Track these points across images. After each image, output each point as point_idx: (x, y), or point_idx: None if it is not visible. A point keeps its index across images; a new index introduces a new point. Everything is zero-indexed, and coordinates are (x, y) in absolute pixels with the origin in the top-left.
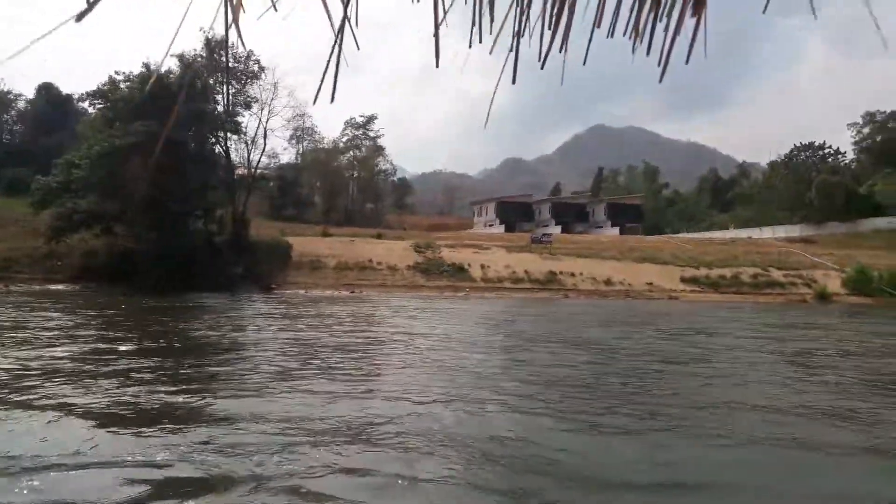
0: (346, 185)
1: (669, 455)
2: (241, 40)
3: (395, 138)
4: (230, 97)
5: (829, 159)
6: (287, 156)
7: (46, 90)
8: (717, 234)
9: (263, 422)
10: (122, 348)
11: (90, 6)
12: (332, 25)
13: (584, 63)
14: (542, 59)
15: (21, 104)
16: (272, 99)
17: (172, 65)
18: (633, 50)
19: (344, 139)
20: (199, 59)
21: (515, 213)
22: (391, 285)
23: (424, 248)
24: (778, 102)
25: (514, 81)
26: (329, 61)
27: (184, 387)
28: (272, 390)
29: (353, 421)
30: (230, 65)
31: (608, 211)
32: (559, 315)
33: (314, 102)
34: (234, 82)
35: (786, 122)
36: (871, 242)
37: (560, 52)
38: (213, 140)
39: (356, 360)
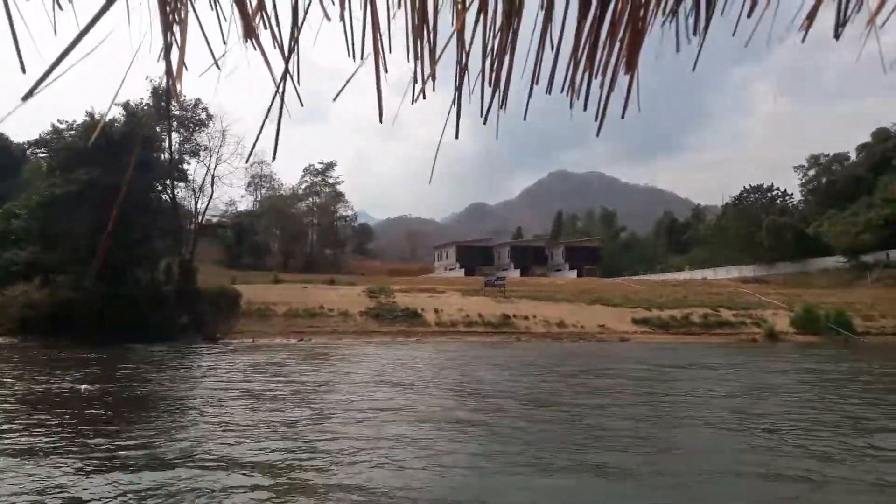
0: (306, 232)
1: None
2: (177, 100)
3: (359, 184)
4: (177, 145)
5: (778, 201)
6: (245, 203)
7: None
8: (672, 276)
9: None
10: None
11: (36, 85)
12: (273, 81)
13: (525, 118)
14: (483, 115)
15: None
16: (220, 146)
17: (117, 113)
18: (571, 105)
19: (303, 186)
20: (146, 107)
21: (475, 257)
22: (342, 332)
23: (378, 293)
24: (732, 147)
25: (457, 136)
26: (265, 119)
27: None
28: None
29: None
30: (177, 113)
31: (566, 254)
32: (478, 357)
33: (247, 160)
34: (181, 130)
35: (740, 166)
36: (819, 281)
37: (500, 108)
38: (160, 188)
39: (268, 410)
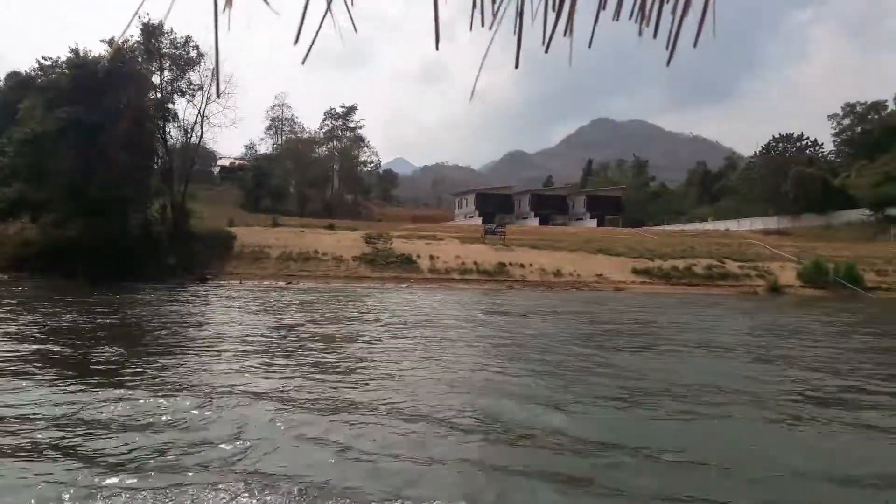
0: (328, 177)
1: None
2: None
3: (399, 132)
4: (167, 84)
5: (808, 151)
6: (265, 146)
7: (14, 77)
8: (694, 227)
9: None
10: None
11: None
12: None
13: (590, 46)
14: (546, 43)
15: None
16: (210, 85)
17: (103, 50)
18: (640, 32)
19: (324, 130)
20: (138, 45)
21: (494, 205)
22: (333, 276)
23: (376, 238)
24: (786, 96)
25: (517, 66)
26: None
27: None
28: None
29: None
30: (166, 50)
31: (588, 203)
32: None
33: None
34: (173, 68)
35: (793, 117)
36: (842, 234)
37: (565, 35)
38: (150, 127)
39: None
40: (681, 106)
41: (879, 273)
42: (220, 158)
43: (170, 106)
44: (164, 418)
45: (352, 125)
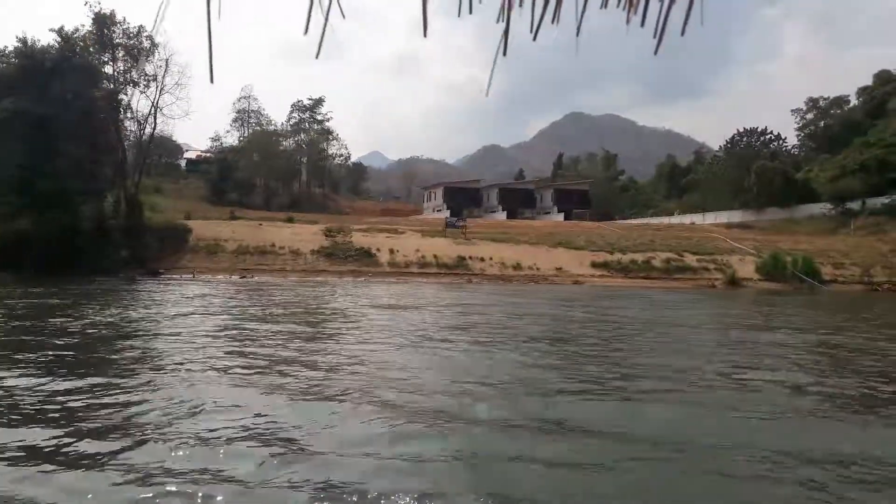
0: (295, 170)
1: None
2: None
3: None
4: (119, 74)
5: (772, 145)
6: (231, 139)
7: None
8: (660, 220)
9: None
10: None
11: None
12: None
13: (578, 34)
14: (533, 32)
15: None
16: (164, 76)
17: (51, 39)
18: (628, 21)
19: (291, 123)
20: (89, 34)
21: (462, 199)
22: (290, 270)
23: (336, 232)
24: (757, 91)
25: (504, 53)
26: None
27: None
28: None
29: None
30: (119, 41)
31: (555, 197)
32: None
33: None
34: (127, 59)
35: (764, 111)
36: (803, 228)
37: (553, 22)
38: (103, 119)
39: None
40: (654, 101)
41: (836, 266)
42: (187, 151)
43: (122, 97)
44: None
45: (319, 118)
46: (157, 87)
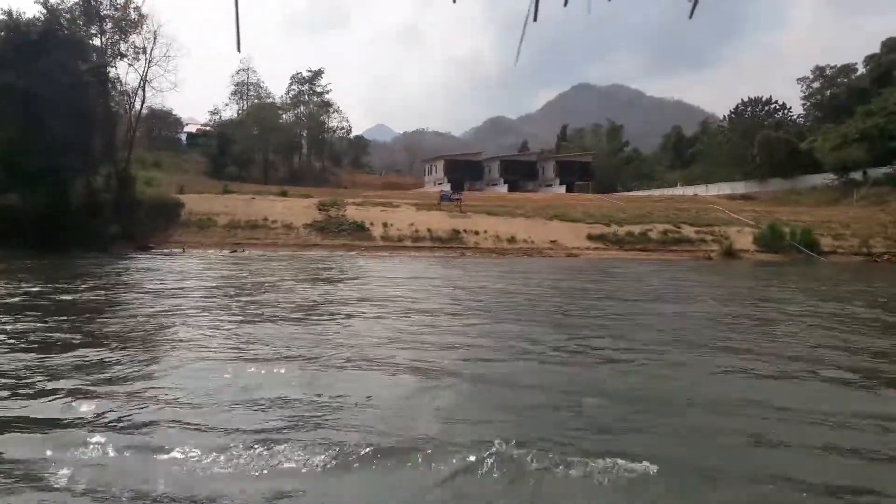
0: (295, 143)
1: None
2: None
3: (381, 97)
4: (107, 47)
5: (777, 114)
6: (230, 112)
7: None
8: (662, 192)
9: None
10: None
11: None
12: None
13: (589, 12)
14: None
15: None
16: (152, 49)
17: (37, 11)
18: None
19: (290, 95)
20: (76, 6)
21: (464, 172)
22: (282, 244)
23: (329, 206)
24: (765, 61)
25: (535, 19)
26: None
27: None
28: None
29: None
30: (106, 13)
31: (557, 169)
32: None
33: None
34: (116, 31)
35: (769, 81)
36: (806, 199)
37: None
38: (92, 93)
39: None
40: (663, 71)
41: (836, 237)
42: (188, 125)
43: (111, 70)
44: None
45: (318, 90)
46: (145, 59)
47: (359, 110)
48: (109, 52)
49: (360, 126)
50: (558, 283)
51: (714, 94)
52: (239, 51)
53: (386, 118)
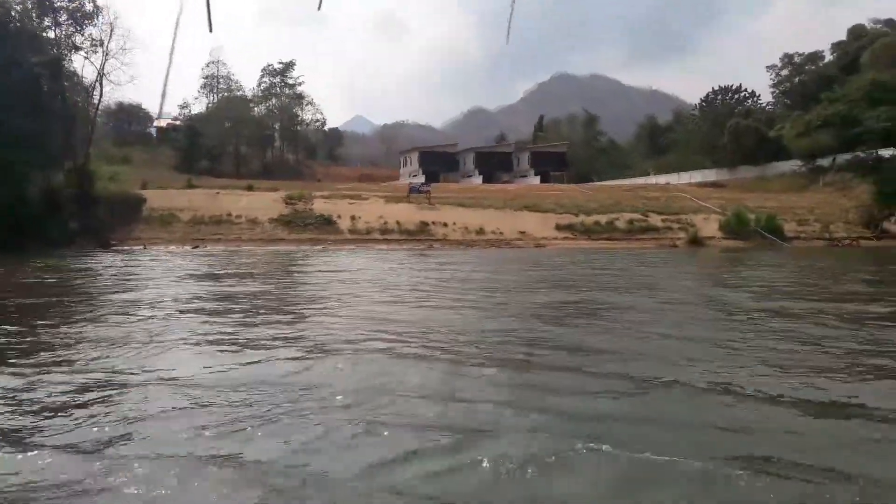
0: (268, 136)
1: None
2: None
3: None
4: (62, 41)
5: (748, 102)
6: (200, 105)
7: None
8: (634, 181)
9: None
10: None
11: None
12: None
13: None
14: None
15: None
16: (108, 41)
17: None
18: None
19: (261, 87)
20: None
21: (438, 163)
22: (246, 239)
23: (296, 199)
24: (743, 50)
25: None
26: None
27: None
28: None
29: None
30: (60, 4)
31: (532, 160)
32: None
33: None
34: (71, 23)
35: (748, 70)
36: (775, 186)
37: None
38: (49, 87)
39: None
40: (641, 60)
41: (801, 223)
42: (157, 119)
43: (68, 64)
44: None
45: (290, 82)
46: (102, 52)
47: (338, 102)
48: (64, 44)
49: (339, 118)
50: (497, 275)
51: (694, 82)
52: (211, 31)
53: (366, 110)
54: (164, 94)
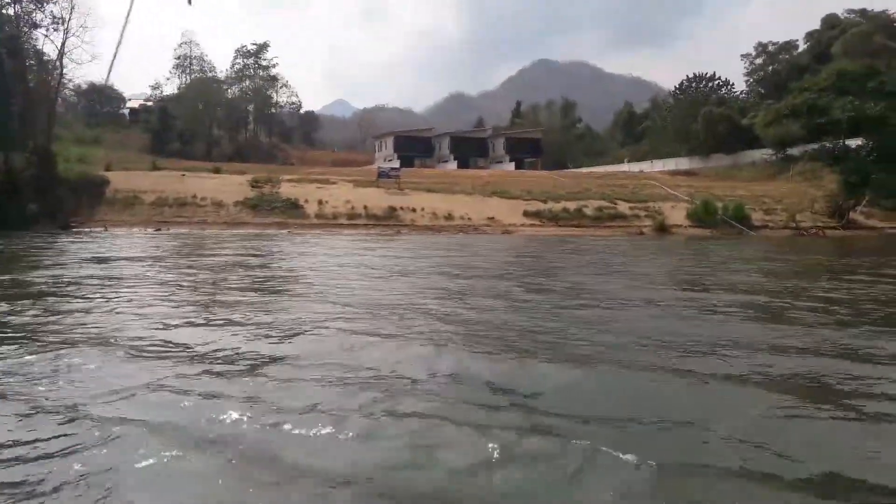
0: (243, 118)
1: None
2: None
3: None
4: (20, 18)
5: (720, 90)
6: (172, 87)
7: None
8: (606, 169)
9: None
10: None
11: None
12: None
13: None
14: None
15: None
16: (69, 19)
17: None
18: None
19: (234, 69)
20: None
21: (414, 148)
22: (211, 222)
23: (263, 183)
24: (724, 38)
25: None
26: None
27: None
28: None
29: None
30: None
31: (507, 145)
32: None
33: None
34: (31, 1)
35: (728, 58)
36: (746, 174)
37: None
38: (7, 65)
39: None
40: (622, 47)
41: (768, 212)
42: (130, 100)
43: (29, 43)
44: None
45: (264, 63)
46: (63, 30)
47: (320, 85)
48: (24, 21)
49: (319, 101)
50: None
51: (676, 71)
52: (190, 3)
53: (346, 94)
54: (112, 62)
